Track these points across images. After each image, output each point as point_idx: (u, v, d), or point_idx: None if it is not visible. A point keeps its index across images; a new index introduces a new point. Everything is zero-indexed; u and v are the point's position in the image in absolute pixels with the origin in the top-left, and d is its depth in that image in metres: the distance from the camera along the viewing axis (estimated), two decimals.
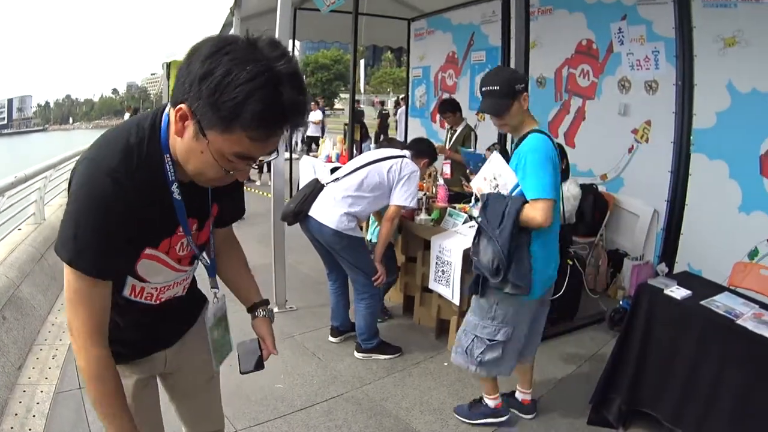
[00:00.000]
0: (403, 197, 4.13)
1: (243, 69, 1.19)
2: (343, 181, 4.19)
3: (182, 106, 1.29)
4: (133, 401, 1.77)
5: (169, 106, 1.43)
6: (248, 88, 1.19)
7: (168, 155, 1.45)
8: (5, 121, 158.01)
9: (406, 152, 4.34)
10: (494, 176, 3.10)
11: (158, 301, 1.72)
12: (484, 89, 3.02)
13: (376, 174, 4.13)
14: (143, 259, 1.55)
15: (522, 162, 2.94)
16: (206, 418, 2.21)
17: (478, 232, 3.10)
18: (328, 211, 4.10)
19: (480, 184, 3.19)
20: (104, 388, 1.48)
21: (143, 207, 1.41)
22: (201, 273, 1.87)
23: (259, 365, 1.89)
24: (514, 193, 2.99)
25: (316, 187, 4.24)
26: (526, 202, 2.89)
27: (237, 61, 1.21)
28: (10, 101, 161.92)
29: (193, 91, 1.25)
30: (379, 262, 4.24)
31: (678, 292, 3.16)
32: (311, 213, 4.15)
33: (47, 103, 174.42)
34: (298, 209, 4.20)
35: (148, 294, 1.68)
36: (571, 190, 5.12)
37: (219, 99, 1.21)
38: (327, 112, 25.42)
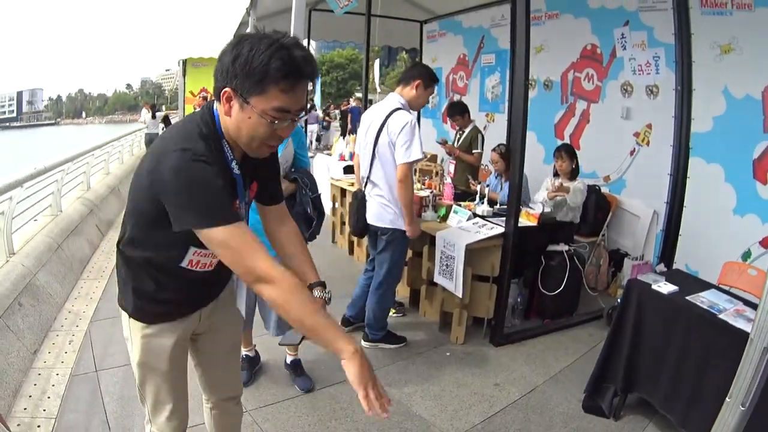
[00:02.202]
0: (403, 154, 3.99)
1: (261, 43, 1.59)
2: (370, 178, 4.29)
3: (226, 89, 1.66)
4: (169, 362, 2.07)
5: (215, 103, 1.78)
6: (269, 53, 1.57)
7: (224, 140, 1.79)
8: (14, 114, 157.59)
9: (396, 101, 4.20)
10: (286, 160, 3.52)
11: (209, 269, 1.97)
12: None
13: (380, 146, 4.14)
14: None
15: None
16: (227, 383, 2.43)
17: (312, 206, 3.60)
18: (373, 213, 4.27)
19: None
20: (302, 295, 1.68)
21: (222, 183, 1.69)
22: None
23: (295, 340, 2.06)
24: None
25: (362, 199, 4.36)
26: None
27: (255, 41, 1.60)
28: (19, 94, 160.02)
29: (230, 74, 1.63)
30: (410, 224, 4.19)
31: (665, 288, 3.32)
32: (369, 222, 4.31)
33: (59, 96, 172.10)
34: (360, 228, 4.43)
35: (203, 264, 1.94)
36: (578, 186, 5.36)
37: (250, 68, 1.58)
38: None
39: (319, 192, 3.70)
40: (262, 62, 1.57)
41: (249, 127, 1.69)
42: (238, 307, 3.34)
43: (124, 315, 2.05)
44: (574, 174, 5.59)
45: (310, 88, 1.81)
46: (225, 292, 2.26)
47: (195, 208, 1.62)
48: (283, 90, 1.62)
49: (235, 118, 1.70)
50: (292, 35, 1.68)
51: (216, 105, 1.79)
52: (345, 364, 1.63)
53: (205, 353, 2.29)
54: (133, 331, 2.03)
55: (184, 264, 1.91)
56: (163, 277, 1.95)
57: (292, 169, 3.59)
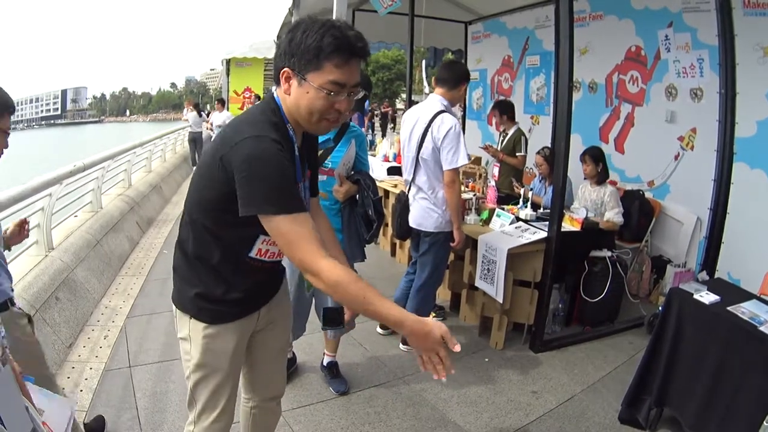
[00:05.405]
0: (449, 160, 3.99)
1: (314, 25, 1.73)
2: (414, 181, 4.28)
3: (285, 69, 1.80)
4: (229, 362, 2.12)
5: (275, 90, 1.91)
6: (321, 32, 1.71)
7: (288, 124, 1.89)
8: (59, 112, 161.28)
9: (439, 103, 4.16)
10: (348, 161, 3.57)
11: (278, 258, 2.07)
12: None
13: (425, 150, 4.11)
14: None
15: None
16: (274, 383, 2.49)
17: (373, 208, 3.54)
18: (417, 216, 4.26)
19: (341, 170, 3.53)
20: (357, 280, 1.73)
21: (293, 171, 1.84)
22: None
23: (339, 324, 2.16)
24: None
25: (405, 202, 4.34)
26: None
27: (309, 24, 1.75)
28: (64, 92, 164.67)
29: (287, 55, 1.78)
30: (458, 230, 4.21)
31: (707, 297, 3.25)
32: (412, 225, 4.30)
33: (103, 95, 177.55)
34: (403, 231, 4.41)
35: (271, 253, 2.02)
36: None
37: (305, 46, 1.73)
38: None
39: (380, 195, 3.70)
40: (316, 40, 1.71)
41: (307, 101, 1.80)
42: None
43: (183, 316, 2.08)
44: (601, 178, 5.55)
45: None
46: (280, 292, 2.32)
47: (265, 194, 1.70)
48: (336, 65, 1.75)
49: (294, 95, 1.82)
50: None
51: (276, 91, 1.91)
52: (407, 336, 1.76)
53: (257, 352, 2.33)
54: (193, 331, 2.06)
55: (252, 254, 1.98)
56: (230, 275, 2.00)
57: (352, 172, 3.61)
